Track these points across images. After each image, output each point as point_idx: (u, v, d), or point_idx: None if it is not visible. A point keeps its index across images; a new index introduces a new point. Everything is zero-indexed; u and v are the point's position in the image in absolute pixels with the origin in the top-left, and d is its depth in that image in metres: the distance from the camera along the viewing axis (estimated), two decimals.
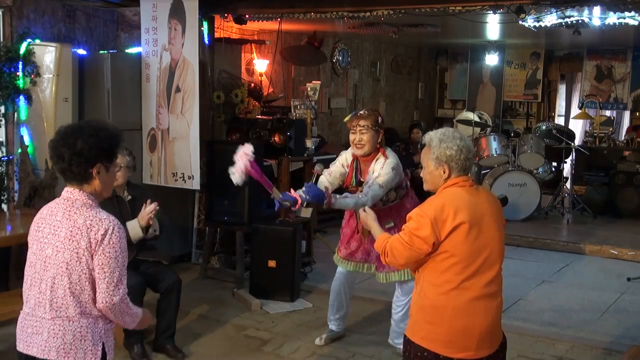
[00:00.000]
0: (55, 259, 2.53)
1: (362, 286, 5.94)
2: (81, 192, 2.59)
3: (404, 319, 4.49)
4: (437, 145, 2.93)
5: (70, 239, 2.51)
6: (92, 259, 2.51)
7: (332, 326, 4.91)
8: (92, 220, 2.53)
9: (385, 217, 4.37)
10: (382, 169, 4.27)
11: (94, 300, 2.55)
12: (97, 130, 2.60)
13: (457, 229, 2.82)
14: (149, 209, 4.32)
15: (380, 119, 4.37)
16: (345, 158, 4.53)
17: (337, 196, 4.19)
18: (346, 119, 4.49)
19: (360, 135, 4.31)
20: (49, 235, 2.57)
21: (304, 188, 4.10)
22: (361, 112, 4.42)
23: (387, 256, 2.99)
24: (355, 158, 4.46)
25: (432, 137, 2.98)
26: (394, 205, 4.48)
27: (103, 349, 2.59)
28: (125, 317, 2.63)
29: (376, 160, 4.36)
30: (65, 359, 2.53)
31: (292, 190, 4.17)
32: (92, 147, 2.55)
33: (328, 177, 4.50)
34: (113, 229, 2.53)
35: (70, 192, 2.61)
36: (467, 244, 2.84)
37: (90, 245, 2.50)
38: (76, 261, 2.51)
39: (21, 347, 2.64)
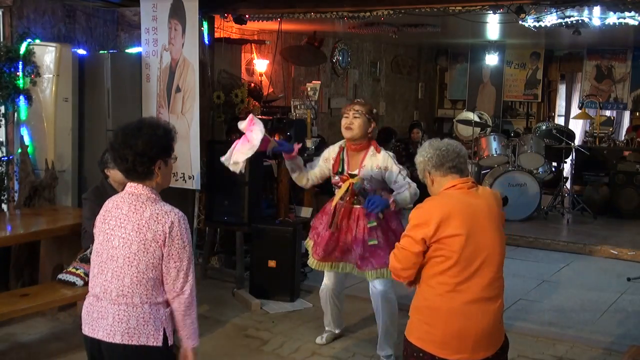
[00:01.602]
0: (123, 250, 2.68)
1: (361, 286, 5.93)
2: (144, 187, 2.74)
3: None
4: (416, 159, 3.09)
5: (138, 232, 2.66)
6: (161, 249, 2.66)
7: (330, 329, 4.94)
8: (157, 213, 2.67)
9: (369, 216, 4.33)
10: (392, 164, 4.29)
11: (157, 288, 2.69)
12: (154, 128, 2.76)
13: (452, 234, 2.82)
14: None
15: (374, 110, 4.42)
16: (329, 152, 4.51)
17: (397, 195, 4.23)
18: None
19: (352, 119, 4.29)
20: (116, 228, 2.71)
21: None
22: (358, 100, 4.51)
23: (390, 264, 3.03)
24: (342, 150, 4.43)
25: None
26: None
27: (164, 334, 2.72)
28: (191, 312, 2.76)
29: (371, 154, 4.34)
30: (130, 342, 2.66)
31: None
32: (153, 146, 2.71)
33: (312, 170, 4.50)
34: (179, 221, 2.69)
35: (134, 187, 2.75)
36: (462, 248, 2.83)
37: (156, 237, 2.65)
38: (143, 252, 2.65)
39: (87, 330, 2.77)
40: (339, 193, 4.40)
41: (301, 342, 4.91)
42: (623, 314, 5.62)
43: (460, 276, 2.84)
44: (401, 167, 4.34)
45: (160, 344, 2.71)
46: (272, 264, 5.76)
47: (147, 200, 2.71)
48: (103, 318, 2.70)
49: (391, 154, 4.39)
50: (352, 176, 4.34)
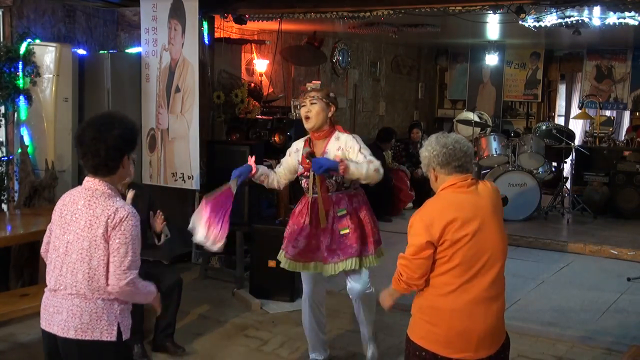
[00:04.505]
0: (76, 245, 2.69)
1: None
2: (101, 182, 2.74)
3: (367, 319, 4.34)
4: (422, 153, 3.03)
5: (90, 228, 2.67)
6: (108, 245, 2.67)
7: (316, 356, 4.51)
8: (109, 209, 2.67)
9: (338, 203, 4.07)
10: (354, 143, 4.01)
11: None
12: (121, 122, 2.75)
13: (455, 236, 2.82)
14: (160, 219, 4.49)
15: (332, 94, 4.17)
16: (296, 144, 4.25)
17: (351, 161, 3.90)
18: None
19: (310, 106, 4.03)
20: (71, 222, 2.72)
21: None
22: (308, 87, 4.29)
23: (402, 277, 2.93)
24: (308, 141, 4.17)
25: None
26: (347, 193, 4.10)
27: (118, 329, 2.74)
28: (135, 297, 2.81)
29: (335, 138, 4.08)
30: (83, 337, 2.68)
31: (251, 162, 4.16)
32: (124, 140, 2.72)
33: (278, 169, 4.29)
34: (127, 215, 2.68)
35: (91, 182, 2.75)
36: (465, 249, 2.82)
37: (106, 232, 2.66)
38: (95, 248, 2.67)
39: (44, 324, 2.80)
40: (309, 184, 4.08)
41: (301, 342, 4.91)
42: (623, 314, 5.61)
43: (464, 276, 2.84)
44: (365, 147, 4.04)
45: (114, 338, 2.71)
46: (272, 264, 5.74)
47: (101, 195, 2.71)
48: (58, 313, 2.72)
49: (357, 136, 4.12)
50: (312, 155, 4.07)
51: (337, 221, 4.09)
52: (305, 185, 4.16)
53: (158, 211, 4.57)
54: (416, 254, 2.86)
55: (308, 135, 4.23)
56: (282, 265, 4.31)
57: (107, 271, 2.68)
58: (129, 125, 2.76)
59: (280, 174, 4.32)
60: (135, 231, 2.70)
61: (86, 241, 2.67)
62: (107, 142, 2.66)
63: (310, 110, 4.05)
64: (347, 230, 4.05)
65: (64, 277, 2.71)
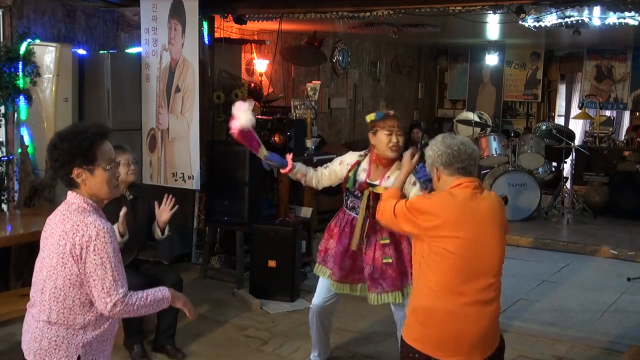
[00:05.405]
0: (47, 261, 2.52)
1: None
2: (78, 195, 2.55)
3: None
4: (427, 152, 3.04)
5: (58, 244, 2.48)
6: (77, 265, 2.46)
7: (316, 356, 4.53)
8: (78, 225, 2.47)
9: (382, 232, 4.04)
10: (411, 176, 3.91)
11: (77, 309, 2.50)
12: (73, 133, 2.53)
13: (451, 235, 2.82)
14: (168, 205, 4.45)
15: None
16: (347, 162, 4.21)
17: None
18: (372, 117, 4.24)
19: (398, 137, 4.09)
20: (47, 238, 2.56)
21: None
22: (392, 112, 4.26)
23: (378, 212, 3.16)
24: (360, 161, 4.16)
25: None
26: None
27: None
28: (139, 312, 2.55)
29: (395, 167, 4.07)
30: None
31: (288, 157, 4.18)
32: (65, 152, 2.49)
33: (323, 170, 4.26)
34: (97, 234, 2.44)
35: (69, 196, 2.58)
36: (461, 250, 2.82)
37: (74, 250, 2.45)
38: (61, 266, 2.47)
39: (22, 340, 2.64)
40: (362, 205, 4.04)
41: (301, 342, 4.91)
42: (623, 314, 5.62)
43: (457, 278, 2.83)
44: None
45: None
46: (272, 264, 5.76)
47: (75, 210, 2.51)
48: (27, 332, 2.57)
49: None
50: (371, 185, 4.03)
51: (379, 249, 4.07)
52: (352, 204, 4.15)
53: (166, 195, 4.48)
54: (400, 218, 2.97)
55: (361, 152, 4.22)
56: (331, 289, 4.23)
57: (75, 293, 2.47)
58: (78, 138, 2.49)
59: (323, 175, 4.25)
60: (109, 248, 2.45)
61: (55, 258, 2.47)
62: (50, 153, 2.52)
63: (399, 141, 4.09)
64: (390, 260, 4.03)
65: (35, 295, 2.55)
